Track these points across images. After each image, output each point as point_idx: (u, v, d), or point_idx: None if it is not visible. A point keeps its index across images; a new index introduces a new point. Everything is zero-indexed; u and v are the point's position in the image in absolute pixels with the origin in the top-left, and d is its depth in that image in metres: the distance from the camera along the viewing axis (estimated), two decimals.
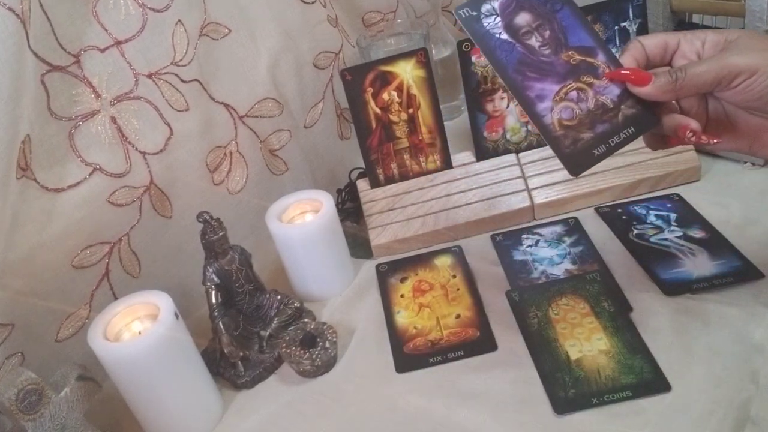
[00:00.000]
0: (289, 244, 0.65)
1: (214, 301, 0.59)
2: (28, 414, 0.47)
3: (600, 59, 0.47)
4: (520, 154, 0.75)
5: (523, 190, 0.72)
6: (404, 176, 0.75)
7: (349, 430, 0.53)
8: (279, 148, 0.76)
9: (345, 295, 0.68)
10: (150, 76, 0.61)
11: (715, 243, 0.62)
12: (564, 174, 0.72)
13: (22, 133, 0.51)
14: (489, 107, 0.74)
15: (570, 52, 0.47)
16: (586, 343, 0.54)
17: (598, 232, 0.68)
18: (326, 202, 0.65)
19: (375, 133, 0.74)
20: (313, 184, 0.80)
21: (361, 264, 0.71)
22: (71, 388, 0.50)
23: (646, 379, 0.50)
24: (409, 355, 0.58)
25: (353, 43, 0.85)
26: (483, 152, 0.76)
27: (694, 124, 0.44)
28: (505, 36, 0.47)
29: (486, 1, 0.48)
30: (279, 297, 0.64)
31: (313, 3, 0.77)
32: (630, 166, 0.71)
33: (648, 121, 0.47)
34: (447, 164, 0.76)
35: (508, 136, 0.76)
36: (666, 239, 0.64)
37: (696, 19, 0.81)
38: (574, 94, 0.46)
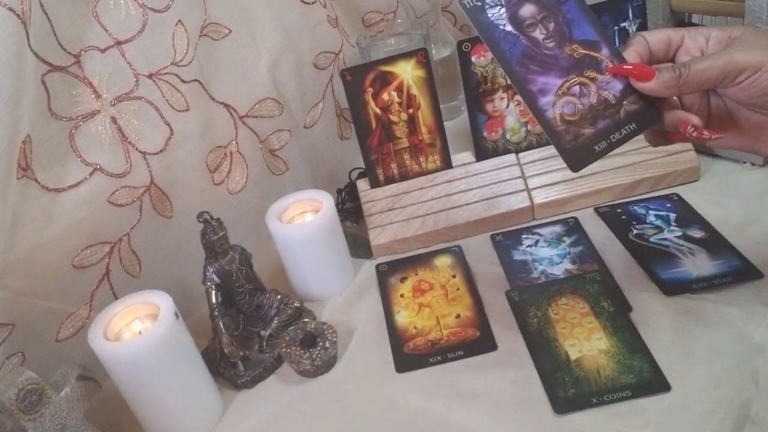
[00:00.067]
0: (289, 244, 0.65)
1: (214, 300, 0.59)
2: (28, 414, 0.47)
3: (604, 54, 0.47)
4: (520, 154, 0.75)
5: (522, 190, 0.72)
6: (404, 176, 0.75)
7: (349, 429, 0.53)
8: (279, 148, 0.76)
9: (345, 295, 0.68)
10: (150, 76, 0.61)
11: (715, 243, 0.62)
12: (563, 174, 0.72)
13: (23, 133, 0.51)
14: (489, 107, 0.74)
15: (574, 46, 0.47)
16: (586, 342, 0.54)
17: (598, 232, 0.68)
18: (326, 202, 0.66)
19: (375, 133, 0.74)
20: (313, 184, 0.80)
21: (361, 264, 0.72)
22: (71, 388, 0.50)
23: (646, 379, 0.50)
24: (409, 355, 0.58)
25: (353, 43, 0.85)
26: (483, 152, 0.76)
27: (695, 120, 0.44)
28: (509, 28, 0.46)
29: None
30: (279, 297, 0.64)
31: (313, 3, 0.77)
32: (629, 166, 0.71)
33: (650, 117, 0.46)
34: (447, 164, 0.76)
35: (507, 136, 0.76)
36: (665, 239, 0.64)
37: (696, 19, 0.81)
38: (576, 88, 0.46)
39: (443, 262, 0.69)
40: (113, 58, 0.59)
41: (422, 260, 0.70)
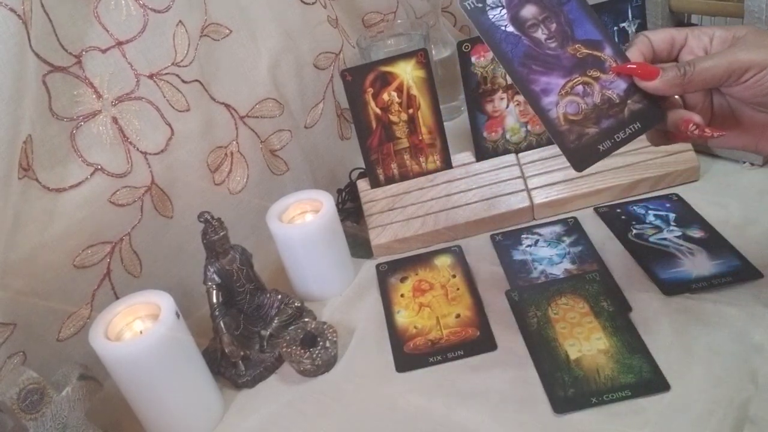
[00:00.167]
0: (289, 243, 0.65)
1: (215, 300, 0.59)
2: (29, 413, 0.47)
3: (607, 53, 0.46)
4: (520, 155, 0.75)
5: (522, 190, 0.72)
6: (404, 176, 0.76)
7: (349, 429, 0.53)
8: (279, 149, 0.76)
9: (345, 295, 0.68)
10: (151, 76, 0.62)
11: (714, 243, 0.62)
12: (563, 174, 0.72)
13: (24, 134, 0.52)
14: (489, 107, 0.74)
15: (576, 46, 0.46)
16: (586, 342, 0.54)
17: (598, 231, 0.68)
18: (326, 202, 0.66)
19: (375, 134, 0.74)
20: (313, 184, 0.81)
21: (361, 264, 0.72)
22: (73, 388, 0.50)
23: (646, 379, 0.50)
24: (409, 355, 0.58)
25: (353, 43, 0.85)
26: (483, 152, 0.76)
27: (697, 118, 0.44)
28: (510, 28, 0.46)
29: None
30: (279, 297, 0.64)
31: (313, 4, 0.77)
32: (629, 166, 0.71)
33: (654, 116, 0.46)
34: (447, 164, 0.76)
35: (507, 137, 0.76)
36: (665, 239, 0.64)
37: (695, 19, 0.81)
38: (580, 88, 0.46)
39: (443, 262, 0.69)
40: (114, 59, 0.59)
41: (422, 260, 0.70)
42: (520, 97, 0.74)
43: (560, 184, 0.72)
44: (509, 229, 0.71)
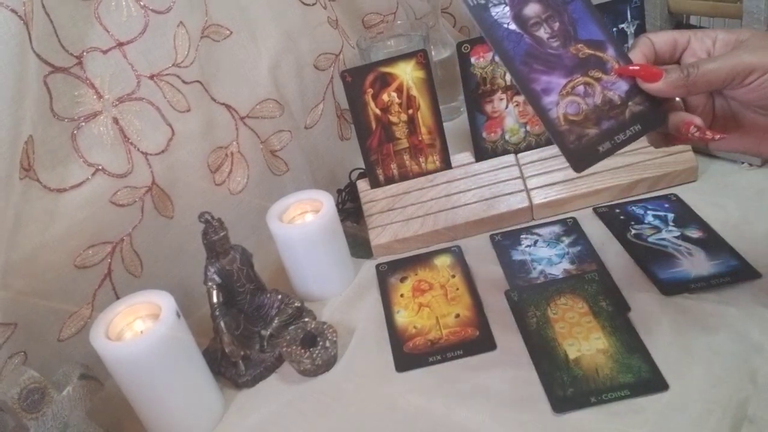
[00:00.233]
0: (289, 244, 0.65)
1: (215, 300, 0.60)
2: (30, 413, 0.47)
3: (609, 54, 0.46)
4: (519, 155, 0.76)
5: (521, 191, 0.73)
6: (404, 176, 0.76)
7: (349, 428, 0.53)
8: (280, 149, 0.77)
9: (345, 295, 0.68)
10: (152, 77, 0.62)
11: (713, 243, 0.62)
12: (562, 174, 0.72)
13: (25, 134, 0.52)
14: (488, 108, 0.75)
15: (579, 46, 0.46)
16: (585, 342, 0.54)
17: (597, 232, 0.68)
18: (326, 202, 0.66)
19: (375, 134, 0.74)
20: (313, 184, 0.81)
21: (361, 264, 0.72)
22: (73, 387, 0.50)
23: (644, 379, 0.50)
24: (409, 355, 0.58)
25: (353, 44, 0.86)
26: (482, 153, 0.76)
27: (698, 120, 0.44)
28: (512, 26, 0.45)
29: None
30: (280, 296, 0.64)
31: (313, 5, 0.78)
32: (628, 167, 0.71)
33: (655, 118, 0.46)
34: (446, 165, 0.76)
35: (506, 137, 0.76)
36: (664, 239, 0.64)
37: (694, 20, 0.81)
38: (581, 88, 0.45)
39: (443, 262, 0.69)
40: (115, 59, 0.59)
41: (422, 260, 0.70)
42: (520, 98, 0.74)
43: (559, 184, 0.72)
44: (508, 229, 0.72)
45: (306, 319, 0.63)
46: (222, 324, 0.59)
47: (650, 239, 0.64)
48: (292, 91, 0.76)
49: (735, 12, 0.71)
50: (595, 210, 0.71)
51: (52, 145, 0.55)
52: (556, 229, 0.70)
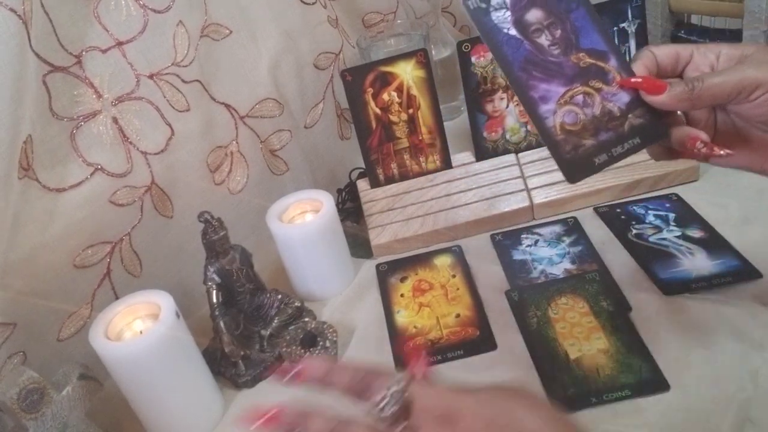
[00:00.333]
0: (289, 243, 0.65)
1: (215, 300, 0.60)
2: (29, 413, 0.47)
3: (612, 64, 0.45)
4: (520, 154, 0.76)
5: (522, 190, 0.72)
6: (404, 176, 0.76)
7: None
8: (279, 149, 0.76)
9: (345, 295, 0.68)
10: (151, 76, 0.62)
11: (714, 243, 0.62)
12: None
13: (24, 134, 0.52)
14: (488, 107, 0.75)
15: (580, 54, 0.45)
16: (585, 342, 0.54)
17: (597, 231, 0.68)
18: (326, 202, 0.66)
19: (375, 134, 0.74)
20: (313, 184, 0.81)
21: (361, 264, 0.72)
22: (73, 387, 0.50)
23: (645, 379, 0.50)
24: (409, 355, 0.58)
25: (353, 43, 0.85)
26: (482, 152, 0.76)
27: (704, 136, 0.43)
28: (513, 32, 0.44)
29: None
30: (279, 296, 0.64)
31: (313, 4, 0.78)
32: (629, 166, 0.71)
33: (655, 132, 0.45)
34: (447, 164, 0.76)
35: (507, 137, 0.76)
36: (665, 239, 0.64)
37: (695, 19, 0.81)
38: (580, 98, 0.44)
39: (443, 261, 0.69)
40: (114, 59, 0.59)
41: (422, 260, 0.70)
42: (520, 103, 0.74)
43: (560, 184, 0.72)
44: (509, 228, 0.71)
45: (306, 319, 0.63)
46: (222, 324, 0.59)
47: (651, 239, 0.64)
48: (292, 91, 0.76)
49: (736, 11, 0.70)
50: (595, 210, 0.71)
51: (51, 144, 0.55)
52: (557, 228, 0.70)
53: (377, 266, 0.70)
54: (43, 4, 0.53)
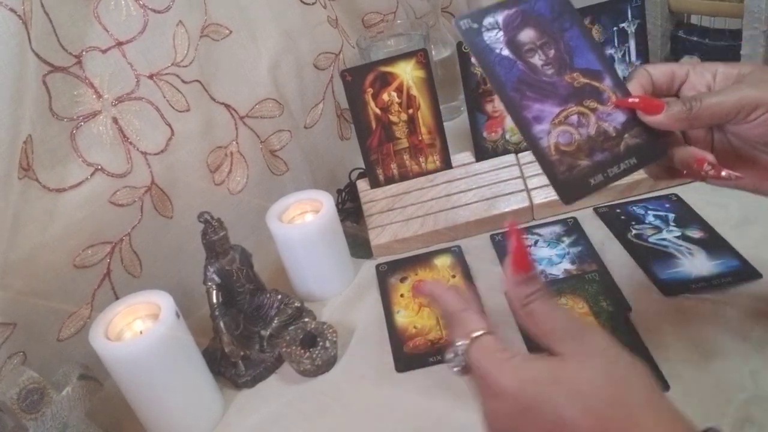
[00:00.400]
0: (289, 244, 0.65)
1: (215, 300, 0.60)
2: (29, 413, 0.47)
3: (606, 84, 0.44)
4: (520, 155, 0.76)
5: (522, 190, 0.72)
6: (404, 176, 0.76)
7: (349, 428, 0.53)
8: (279, 149, 0.76)
9: (345, 295, 0.68)
10: (151, 76, 0.62)
11: (714, 243, 0.62)
12: None
13: (24, 134, 0.52)
14: (488, 108, 0.75)
15: (575, 74, 0.44)
16: None
17: (597, 232, 0.68)
18: (326, 202, 0.66)
19: (375, 134, 0.74)
20: (313, 184, 0.81)
21: (361, 264, 0.72)
22: (73, 387, 0.50)
23: None
24: (409, 355, 0.58)
25: (353, 43, 0.85)
26: (482, 152, 0.76)
27: (711, 157, 0.42)
28: (506, 52, 0.44)
29: (489, 14, 0.44)
30: (279, 297, 0.64)
31: (313, 4, 0.78)
32: None
33: (652, 153, 0.44)
34: (447, 164, 0.76)
35: (507, 137, 0.76)
36: (664, 239, 0.64)
37: (695, 19, 0.81)
38: (574, 118, 0.44)
39: (443, 262, 0.69)
40: (114, 59, 0.59)
41: (422, 260, 0.70)
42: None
43: None
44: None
45: (306, 319, 0.63)
46: (221, 324, 0.59)
47: (651, 239, 0.64)
48: (292, 91, 0.76)
49: (736, 11, 0.71)
50: (595, 210, 0.71)
51: (51, 144, 0.55)
52: (557, 229, 0.70)
53: (377, 266, 0.70)
54: (43, 4, 0.53)
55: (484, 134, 0.75)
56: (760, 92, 0.41)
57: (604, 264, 0.63)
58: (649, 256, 0.62)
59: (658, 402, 0.33)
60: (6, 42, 0.48)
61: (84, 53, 0.57)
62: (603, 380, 0.34)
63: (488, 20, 0.44)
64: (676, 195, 0.70)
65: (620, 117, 0.44)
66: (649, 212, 0.68)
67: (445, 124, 0.75)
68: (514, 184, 0.73)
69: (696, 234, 0.64)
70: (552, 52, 0.44)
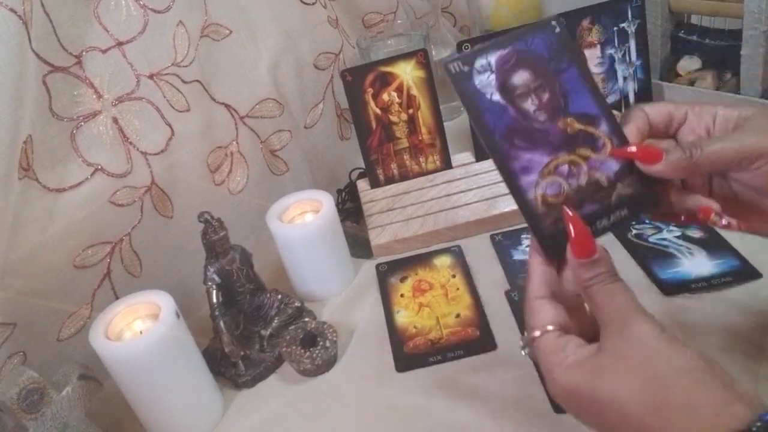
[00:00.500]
0: (289, 244, 0.65)
1: (215, 300, 0.60)
2: (29, 413, 0.47)
3: (602, 129, 0.41)
4: None
5: None
6: (404, 176, 0.76)
7: (349, 428, 0.53)
8: (279, 149, 0.76)
9: (345, 295, 0.68)
10: (151, 76, 0.62)
11: (714, 243, 0.62)
12: None
13: (24, 134, 0.52)
14: None
15: (569, 120, 0.41)
16: None
17: None
18: (326, 202, 0.66)
19: (375, 134, 0.74)
20: (313, 184, 0.81)
21: (361, 264, 0.72)
22: (73, 387, 0.50)
23: None
24: (409, 355, 0.58)
25: (353, 43, 0.85)
26: (482, 152, 0.76)
27: (716, 206, 0.40)
28: (497, 97, 0.41)
29: (481, 54, 0.41)
30: (279, 296, 0.64)
31: (313, 4, 0.78)
32: None
33: (645, 203, 0.42)
34: (447, 164, 0.76)
35: None
36: (664, 239, 0.64)
37: (695, 19, 0.81)
38: (564, 168, 0.41)
39: (443, 261, 0.69)
40: (114, 59, 0.59)
41: (422, 260, 0.70)
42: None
43: None
44: (509, 229, 0.71)
45: (306, 319, 0.63)
46: (221, 324, 0.59)
47: (651, 239, 0.64)
48: (292, 91, 0.76)
49: (736, 11, 0.71)
50: None
51: (51, 144, 0.55)
52: None
53: (377, 266, 0.70)
54: (43, 4, 0.53)
55: None
56: (764, 140, 0.39)
57: None
58: (649, 256, 0.62)
59: (699, 399, 0.32)
60: (6, 42, 0.48)
61: (84, 53, 0.57)
62: (639, 383, 0.33)
63: (480, 62, 0.41)
64: None
65: (614, 165, 0.41)
66: None
67: (445, 124, 0.75)
68: None
69: (696, 233, 0.64)
70: (546, 96, 0.41)
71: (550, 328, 0.38)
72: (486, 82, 0.41)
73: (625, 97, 0.77)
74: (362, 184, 0.76)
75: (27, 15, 0.49)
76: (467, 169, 0.75)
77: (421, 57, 0.72)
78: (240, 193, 0.72)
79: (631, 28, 0.74)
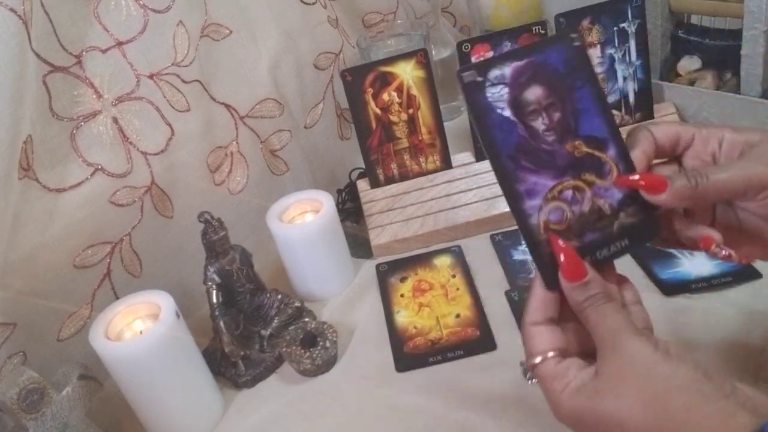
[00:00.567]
0: (289, 244, 0.65)
1: (215, 300, 0.60)
2: (29, 413, 0.47)
3: (610, 154, 0.40)
4: None
5: None
6: (404, 176, 0.76)
7: (349, 428, 0.53)
8: (279, 149, 0.76)
9: (345, 295, 0.68)
10: (151, 76, 0.62)
11: None
12: None
13: (24, 134, 0.52)
14: None
15: (577, 143, 0.40)
16: None
17: None
18: (326, 202, 0.66)
19: (375, 134, 0.74)
20: (313, 184, 0.81)
21: (361, 264, 0.72)
22: (73, 387, 0.50)
23: None
24: (409, 355, 0.58)
25: (353, 43, 0.85)
26: (482, 152, 0.76)
27: (718, 237, 0.40)
28: (507, 112, 0.39)
29: (496, 65, 0.39)
30: (279, 296, 0.64)
31: (313, 4, 0.78)
32: None
33: (646, 233, 0.41)
34: (447, 164, 0.76)
35: None
36: None
37: (695, 19, 0.81)
38: (569, 193, 0.40)
39: (443, 261, 0.69)
40: (114, 59, 0.59)
41: (422, 260, 0.70)
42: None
43: None
44: (509, 229, 0.71)
45: (306, 319, 0.63)
46: (221, 324, 0.59)
47: None
48: (292, 91, 0.76)
49: (736, 11, 0.70)
50: None
51: (51, 144, 0.55)
52: None
53: (377, 266, 0.70)
54: (43, 4, 0.53)
55: None
56: None
57: None
58: (649, 256, 0.62)
59: (701, 413, 0.32)
60: (6, 42, 0.48)
61: (84, 53, 0.57)
62: (639, 404, 0.33)
63: (494, 73, 0.39)
64: None
65: (617, 193, 0.40)
66: None
67: (445, 124, 0.75)
68: None
69: None
70: (557, 116, 0.40)
71: (550, 354, 0.38)
72: (498, 95, 0.40)
73: (625, 97, 0.77)
74: (362, 184, 0.76)
75: (27, 15, 0.49)
76: (467, 169, 0.75)
77: (421, 57, 0.72)
78: (240, 193, 0.72)
79: (631, 28, 0.74)
